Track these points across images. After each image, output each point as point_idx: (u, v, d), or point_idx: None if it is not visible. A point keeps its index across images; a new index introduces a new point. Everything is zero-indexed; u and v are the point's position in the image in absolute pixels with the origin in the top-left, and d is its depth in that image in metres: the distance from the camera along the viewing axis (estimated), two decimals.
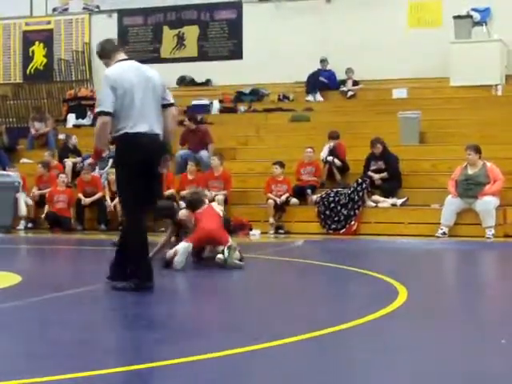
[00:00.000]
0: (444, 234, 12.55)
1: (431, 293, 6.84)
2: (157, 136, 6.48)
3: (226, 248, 8.22)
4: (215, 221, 8.59)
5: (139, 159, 6.38)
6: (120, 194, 6.89)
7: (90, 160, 6.56)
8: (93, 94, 18.89)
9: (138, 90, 6.40)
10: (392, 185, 13.78)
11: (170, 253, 8.25)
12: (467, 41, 17.34)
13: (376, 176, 13.67)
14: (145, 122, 6.40)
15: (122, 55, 6.68)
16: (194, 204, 8.75)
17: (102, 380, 3.73)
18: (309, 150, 14.41)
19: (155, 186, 6.63)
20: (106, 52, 6.71)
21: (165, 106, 6.61)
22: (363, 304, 6.14)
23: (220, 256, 8.22)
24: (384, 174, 13.71)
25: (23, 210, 14.66)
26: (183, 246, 8.16)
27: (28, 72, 21.58)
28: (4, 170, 16.09)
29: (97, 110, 6.56)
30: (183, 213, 8.92)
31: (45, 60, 21.47)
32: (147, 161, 6.40)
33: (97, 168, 15.02)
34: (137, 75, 6.46)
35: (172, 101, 6.67)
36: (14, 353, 4.40)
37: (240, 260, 8.29)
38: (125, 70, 6.48)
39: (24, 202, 14.75)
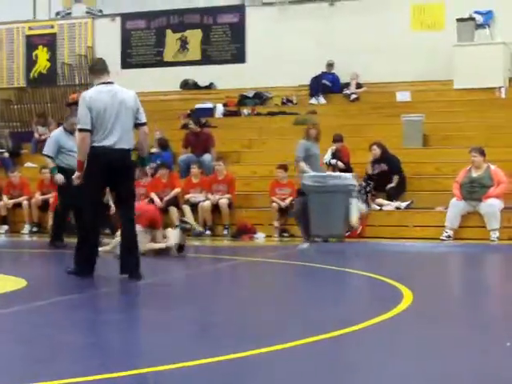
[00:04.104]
0: (449, 236, 12.52)
1: (436, 296, 6.83)
2: (121, 150, 7.49)
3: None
4: None
5: (101, 167, 7.45)
6: (81, 193, 7.74)
7: (76, 174, 7.64)
8: None
9: (109, 111, 7.42)
10: (396, 188, 13.76)
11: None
12: (470, 43, 17.31)
13: (387, 186, 13.61)
14: (110, 138, 7.44)
15: (106, 78, 7.63)
16: None
17: None
18: None
19: (123, 189, 7.67)
20: (96, 70, 7.78)
21: (137, 126, 7.65)
22: (368, 307, 6.14)
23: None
24: (393, 184, 13.63)
25: (354, 219, 12.29)
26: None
27: (31, 76, 21.60)
28: (6, 174, 16.06)
29: (77, 127, 7.60)
30: None
31: (48, 64, 21.49)
32: (110, 169, 7.46)
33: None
34: (111, 98, 7.45)
35: (143, 121, 7.67)
36: (19, 357, 4.40)
37: None
38: (100, 93, 7.50)
39: (356, 209, 12.41)
